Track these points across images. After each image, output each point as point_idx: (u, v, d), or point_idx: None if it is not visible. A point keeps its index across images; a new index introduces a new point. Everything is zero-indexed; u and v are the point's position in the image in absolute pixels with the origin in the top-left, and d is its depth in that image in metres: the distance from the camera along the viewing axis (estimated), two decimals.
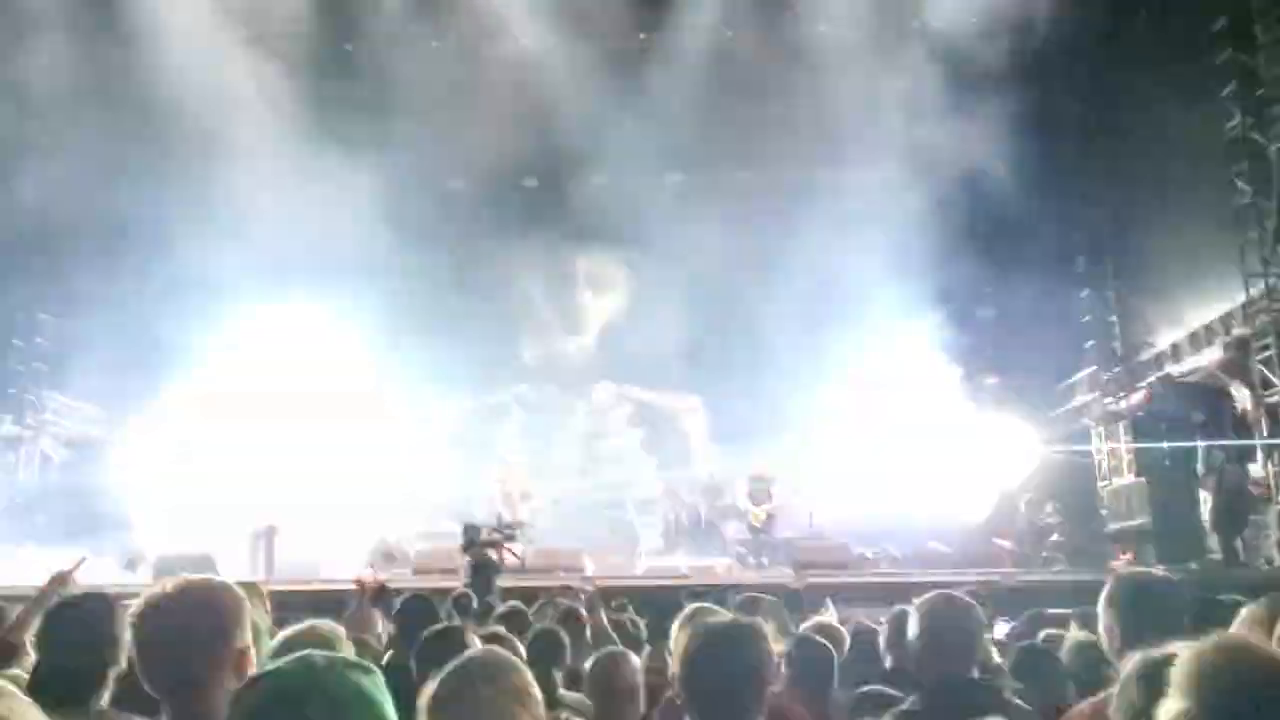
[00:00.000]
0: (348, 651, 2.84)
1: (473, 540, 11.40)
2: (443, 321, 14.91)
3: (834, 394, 14.52)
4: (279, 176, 12.85)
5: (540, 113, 14.01)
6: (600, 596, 5.91)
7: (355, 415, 14.34)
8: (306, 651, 1.34)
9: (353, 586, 5.55)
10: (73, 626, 2.60)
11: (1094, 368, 15.57)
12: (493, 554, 11.24)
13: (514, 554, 11.91)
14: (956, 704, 2.38)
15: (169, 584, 1.95)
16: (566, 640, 4.02)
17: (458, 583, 8.59)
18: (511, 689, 1.68)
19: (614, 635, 4.91)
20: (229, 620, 1.92)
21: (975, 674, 2.62)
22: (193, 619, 1.89)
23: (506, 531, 12.09)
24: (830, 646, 3.58)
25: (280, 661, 1.35)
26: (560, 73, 13.76)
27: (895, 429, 15.57)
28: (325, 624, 2.93)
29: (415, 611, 4.46)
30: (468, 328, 15.19)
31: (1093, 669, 3.14)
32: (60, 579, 4.09)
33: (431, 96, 13.43)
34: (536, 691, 1.72)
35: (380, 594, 5.18)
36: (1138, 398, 14.17)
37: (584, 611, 5.14)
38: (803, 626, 4.23)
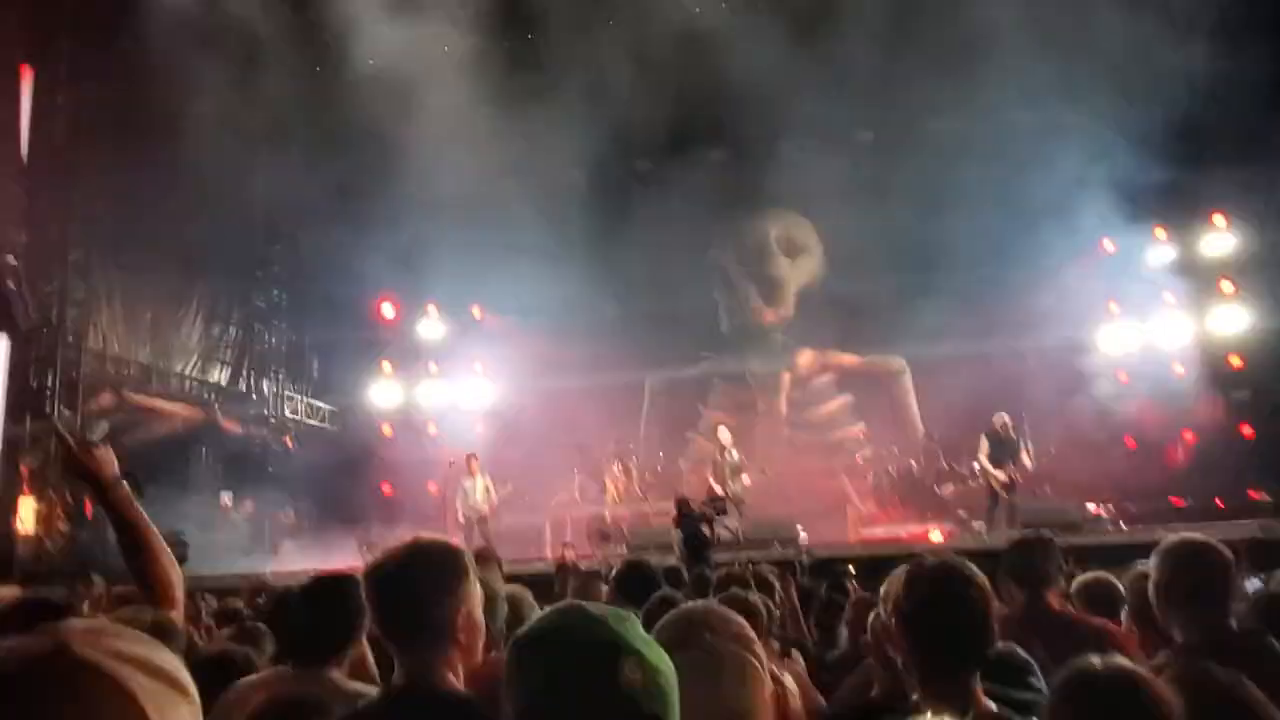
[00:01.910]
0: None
1: (686, 515, 11.51)
2: (639, 300, 15.12)
3: (1051, 343, 13.72)
4: (468, 169, 13.33)
5: (723, 84, 13.91)
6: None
7: (559, 398, 14.75)
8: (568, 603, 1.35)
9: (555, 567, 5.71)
10: (315, 600, 2.78)
11: None
12: (706, 528, 11.32)
13: (727, 527, 11.96)
14: (1217, 655, 2.14)
15: (401, 541, 2.07)
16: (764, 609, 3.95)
17: (672, 559, 8.66)
18: (733, 634, 1.67)
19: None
20: (447, 577, 2.00)
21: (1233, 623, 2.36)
22: (415, 572, 2.00)
23: (718, 505, 12.14)
24: None
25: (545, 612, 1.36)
26: (739, 41, 13.58)
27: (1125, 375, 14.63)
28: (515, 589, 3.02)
29: (634, 579, 4.49)
30: (664, 304, 15.31)
31: None
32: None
33: (613, 78, 13.58)
34: (759, 644, 1.69)
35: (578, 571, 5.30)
36: None
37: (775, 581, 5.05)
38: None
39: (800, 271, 16.61)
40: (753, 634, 1.68)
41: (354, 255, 14.17)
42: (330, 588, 2.83)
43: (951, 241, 13.91)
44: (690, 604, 1.87)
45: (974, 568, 2.07)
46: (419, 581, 1.97)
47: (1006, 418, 12.13)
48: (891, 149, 15.24)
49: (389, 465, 16.48)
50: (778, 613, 4.42)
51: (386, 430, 16.66)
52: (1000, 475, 12.00)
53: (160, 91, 12.55)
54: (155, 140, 12.74)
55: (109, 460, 2.11)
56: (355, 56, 13.32)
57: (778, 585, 4.98)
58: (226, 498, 13.79)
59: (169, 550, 2.08)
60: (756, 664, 1.62)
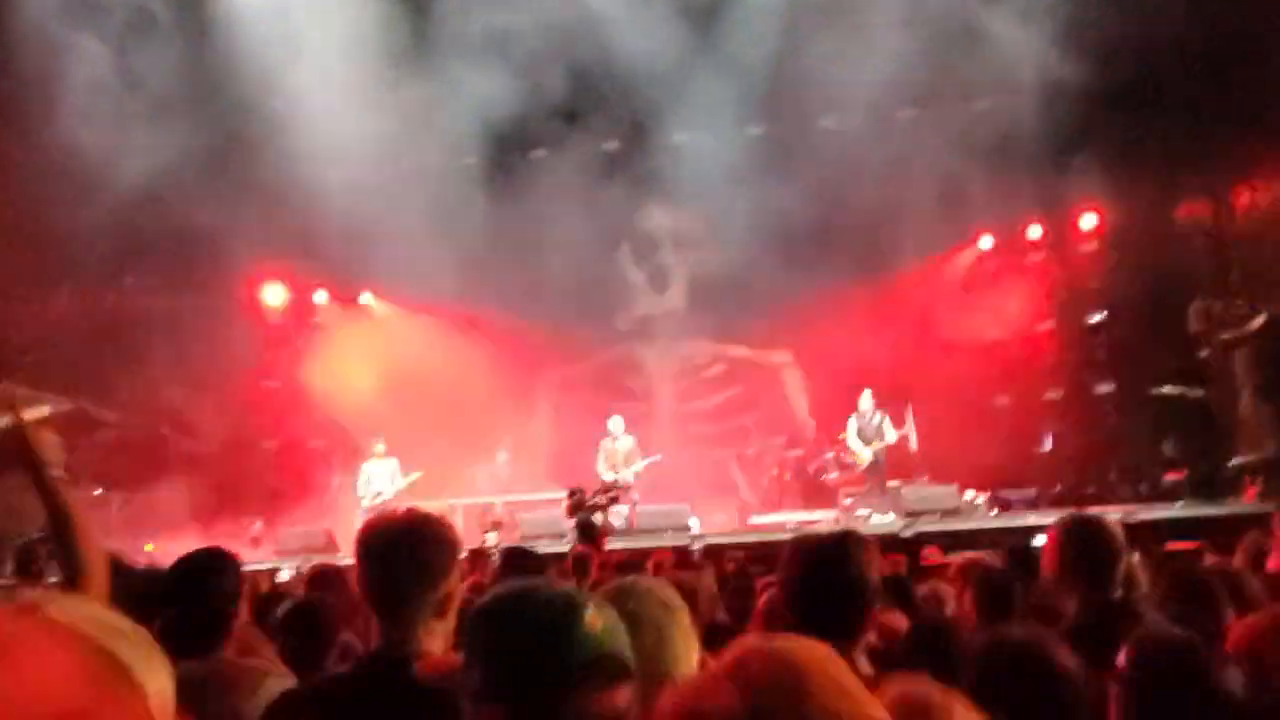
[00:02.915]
0: None
1: (578, 504, 11.54)
2: (529, 289, 15.05)
3: (926, 336, 14.24)
4: (352, 150, 13.12)
5: (616, 74, 13.97)
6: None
7: (449, 387, 14.62)
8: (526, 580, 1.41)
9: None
10: (196, 579, 2.69)
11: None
12: (599, 517, 11.38)
13: (620, 515, 12.05)
14: (1103, 630, 2.28)
15: (400, 507, 2.07)
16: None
17: (565, 548, 8.67)
18: (657, 600, 1.74)
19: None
20: (448, 556, 2.04)
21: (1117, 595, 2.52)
22: (419, 548, 2.00)
23: (611, 494, 12.23)
24: None
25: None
26: (634, 31, 13.65)
27: (998, 368, 15.23)
28: None
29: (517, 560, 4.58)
30: (556, 294, 15.27)
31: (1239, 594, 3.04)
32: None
33: (504, 63, 13.51)
34: (686, 614, 1.74)
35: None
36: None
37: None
38: None
39: (690, 262, 16.79)
40: (682, 604, 1.72)
41: (237, 235, 13.72)
42: (206, 565, 2.75)
43: (838, 234, 14.29)
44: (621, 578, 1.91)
45: (857, 539, 2.15)
46: (423, 559, 1.99)
47: (869, 395, 12.49)
48: (780, 143, 15.51)
49: (276, 452, 16.05)
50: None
51: (273, 416, 16.21)
52: (866, 453, 12.36)
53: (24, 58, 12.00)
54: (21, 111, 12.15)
55: (52, 442, 2.07)
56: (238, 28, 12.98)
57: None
58: (100, 489, 13.19)
59: (97, 536, 2.05)
60: (678, 629, 1.67)
